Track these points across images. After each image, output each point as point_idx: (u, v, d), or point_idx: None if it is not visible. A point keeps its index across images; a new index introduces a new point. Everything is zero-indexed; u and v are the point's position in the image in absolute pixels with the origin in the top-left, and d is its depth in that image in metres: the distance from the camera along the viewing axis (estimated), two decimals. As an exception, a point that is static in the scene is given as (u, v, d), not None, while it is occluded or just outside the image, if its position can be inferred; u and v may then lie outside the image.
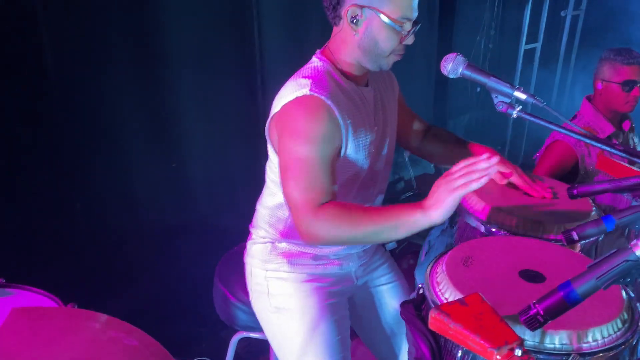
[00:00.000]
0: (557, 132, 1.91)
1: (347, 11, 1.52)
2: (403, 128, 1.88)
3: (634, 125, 2.70)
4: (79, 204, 2.34)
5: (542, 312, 0.97)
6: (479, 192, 1.70)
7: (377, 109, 1.68)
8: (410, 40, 1.54)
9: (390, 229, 1.42)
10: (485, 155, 1.32)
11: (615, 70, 2.47)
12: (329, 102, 1.49)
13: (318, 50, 1.65)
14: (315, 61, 1.62)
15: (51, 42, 2.10)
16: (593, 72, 2.59)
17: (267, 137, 1.63)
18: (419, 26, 1.54)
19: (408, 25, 1.51)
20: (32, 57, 2.09)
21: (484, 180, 1.29)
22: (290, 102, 1.50)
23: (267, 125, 1.60)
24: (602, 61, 2.54)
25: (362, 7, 1.50)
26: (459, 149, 1.85)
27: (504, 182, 1.73)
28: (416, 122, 1.95)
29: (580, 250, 1.54)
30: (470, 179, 1.29)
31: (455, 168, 1.35)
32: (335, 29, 1.60)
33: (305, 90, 1.49)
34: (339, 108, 1.51)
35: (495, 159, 1.31)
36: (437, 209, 1.33)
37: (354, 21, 1.52)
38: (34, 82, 2.11)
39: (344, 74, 1.61)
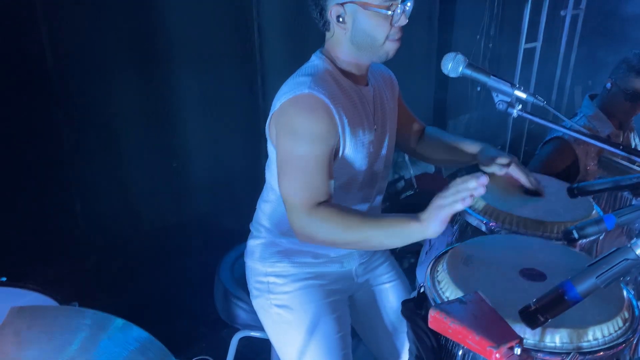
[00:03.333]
0: (556, 130, 1.91)
1: (331, 13, 1.53)
2: (402, 130, 1.87)
3: (633, 125, 2.69)
4: (79, 204, 2.34)
5: (542, 311, 0.97)
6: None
7: (376, 109, 1.68)
8: (402, 21, 1.51)
9: (384, 236, 1.43)
10: (479, 174, 1.31)
11: (629, 77, 2.42)
12: (327, 101, 1.49)
13: (318, 50, 1.65)
14: (315, 59, 1.62)
15: (51, 41, 2.11)
16: (609, 72, 2.55)
17: (267, 135, 1.63)
18: (409, 4, 1.50)
19: (396, 7, 1.48)
20: (33, 57, 2.09)
21: (468, 201, 1.30)
22: (288, 100, 1.51)
23: (267, 123, 1.61)
24: (622, 62, 2.49)
25: (343, 4, 1.51)
26: (454, 150, 1.83)
27: (503, 171, 1.68)
28: (415, 124, 1.95)
29: (580, 249, 1.54)
30: (456, 199, 1.30)
31: (450, 185, 1.35)
32: (327, 35, 1.61)
33: (304, 88, 1.49)
34: (337, 107, 1.51)
35: (484, 179, 1.29)
36: (430, 223, 1.34)
37: (340, 20, 1.53)
38: (34, 81, 2.11)
39: (343, 73, 1.61)
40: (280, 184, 1.53)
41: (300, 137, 1.49)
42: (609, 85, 2.49)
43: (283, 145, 1.52)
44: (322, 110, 1.49)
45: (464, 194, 1.29)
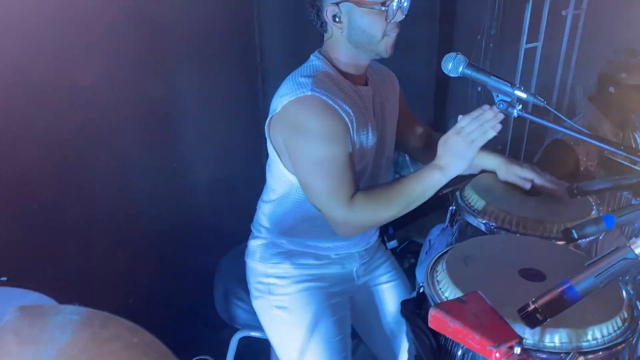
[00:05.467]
0: (557, 131, 1.92)
1: (327, 13, 1.54)
2: (404, 131, 1.87)
3: (636, 124, 2.69)
4: (80, 204, 2.34)
5: (540, 310, 0.97)
6: (479, 191, 1.70)
7: (375, 108, 1.68)
8: (398, 17, 1.51)
9: (418, 197, 1.51)
10: (486, 106, 1.43)
11: (629, 73, 2.46)
12: (329, 101, 1.49)
13: (317, 50, 1.65)
14: (313, 60, 1.62)
15: (51, 37, 2.11)
16: (598, 74, 2.58)
17: (267, 135, 1.63)
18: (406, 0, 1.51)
19: (391, 2, 1.48)
20: (33, 53, 2.09)
21: (498, 128, 1.41)
22: (292, 102, 1.50)
23: (267, 123, 1.60)
24: (613, 63, 2.53)
25: (338, 3, 1.51)
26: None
27: (528, 186, 1.70)
28: (418, 126, 1.94)
29: (580, 249, 1.54)
30: (485, 129, 1.42)
31: (463, 123, 1.45)
32: (325, 36, 1.62)
33: (307, 90, 1.49)
34: (340, 107, 1.51)
35: (496, 109, 1.43)
36: (458, 163, 1.45)
37: (336, 19, 1.53)
38: (34, 78, 2.11)
39: (342, 73, 1.61)
40: (309, 189, 1.54)
41: (314, 139, 1.49)
42: (612, 89, 2.51)
43: (301, 152, 1.52)
44: (327, 109, 1.49)
45: (491, 123, 1.42)
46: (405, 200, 1.51)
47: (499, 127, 1.42)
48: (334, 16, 1.53)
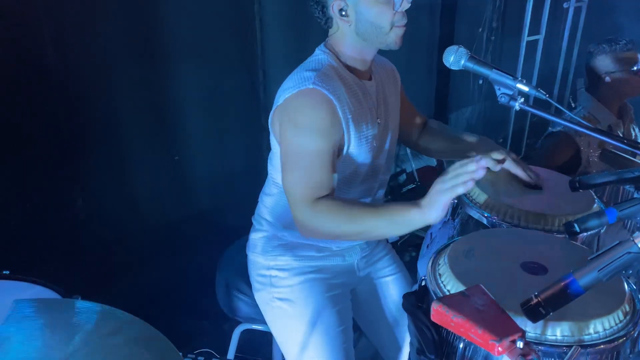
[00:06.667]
0: (559, 123, 1.92)
1: (333, 8, 1.53)
2: (404, 124, 1.87)
3: (633, 116, 2.70)
4: (81, 199, 2.35)
5: (543, 304, 0.97)
6: (480, 184, 1.70)
7: (379, 103, 1.68)
8: (405, 5, 1.50)
9: (386, 226, 1.44)
10: (478, 157, 1.33)
11: (619, 59, 2.47)
12: (331, 97, 1.49)
13: (322, 44, 1.65)
14: (319, 54, 1.62)
15: (53, 36, 2.10)
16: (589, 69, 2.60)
17: (270, 128, 1.63)
18: None
19: None
20: (34, 53, 2.09)
21: (470, 185, 1.31)
22: (294, 94, 1.50)
23: (270, 116, 1.61)
24: (600, 55, 2.54)
25: None
26: (454, 143, 1.84)
27: (498, 167, 1.60)
28: (417, 117, 1.95)
29: (582, 243, 1.54)
30: (457, 182, 1.31)
31: (449, 170, 1.36)
32: (330, 31, 1.61)
33: (309, 84, 1.49)
34: (340, 103, 1.51)
35: (484, 161, 1.33)
36: (431, 208, 1.35)
37: (343, 13, 1.53)
38: (36, 77, 2.11)
39: (347, 67, 1.61)
40: (284, 177, 1.53)
41: (303, 131, 1.49)
42: (608, 79, 2.52)
43: (286, 140, 1.53)
44: (325, 105, 1.49)
45: (465, 177, 1.31)
46: (371, 223, 1.44)
47: (470, 185, 1.32)
48: (341, 10, 1.53)
